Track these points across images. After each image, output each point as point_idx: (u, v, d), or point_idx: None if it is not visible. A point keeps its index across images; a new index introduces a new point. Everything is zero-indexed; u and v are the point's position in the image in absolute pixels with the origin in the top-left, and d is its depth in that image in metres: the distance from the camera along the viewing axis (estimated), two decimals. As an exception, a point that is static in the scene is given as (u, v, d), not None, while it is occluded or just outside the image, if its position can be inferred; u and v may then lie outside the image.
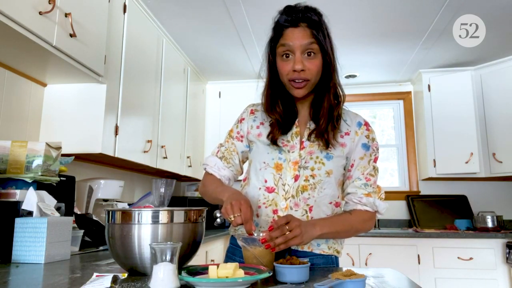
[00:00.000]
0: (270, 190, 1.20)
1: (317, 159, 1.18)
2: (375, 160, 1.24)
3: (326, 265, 1.20)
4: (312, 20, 1.12)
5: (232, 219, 1.00)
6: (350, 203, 1.22)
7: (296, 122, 1.23)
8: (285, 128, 1.21)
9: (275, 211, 1.18)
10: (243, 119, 1.32)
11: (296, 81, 1.14)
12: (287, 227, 0.99)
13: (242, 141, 1.30)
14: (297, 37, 1.11)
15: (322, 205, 1.19)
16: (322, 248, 1.20)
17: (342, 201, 1.25)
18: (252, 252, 0.99)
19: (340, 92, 1.21)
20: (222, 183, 1.27)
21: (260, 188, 1.21)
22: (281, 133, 1.20)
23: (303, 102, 1.24)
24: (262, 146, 1.23)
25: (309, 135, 1.20)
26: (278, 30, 1.16)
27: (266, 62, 1.22)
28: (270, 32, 1.20)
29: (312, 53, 1.12)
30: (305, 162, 1.18)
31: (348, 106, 1.30)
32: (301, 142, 1.21)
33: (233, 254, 1.28)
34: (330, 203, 1.20)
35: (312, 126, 1.21)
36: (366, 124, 1.26)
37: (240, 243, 1.02)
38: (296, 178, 1.18)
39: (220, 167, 1.28)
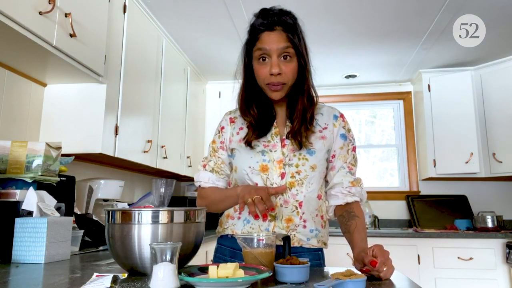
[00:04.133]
0: None
1: (300, 155, 1.21)
2: (354, 150, 1.29)
3: (313, 262, 1.20)
4: (287, 24, 1.14)
5: (250, 201, 1.02)
6: (339, 195, 1.24)
7: (275, 123, 1.25)
8: (262, 130, 1.23)
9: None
10: (223, 127, 1.33)
11: (273, 84, 1.15)
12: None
13: (225, 150, 1.31)
14: (273, 41, 1.13)
15: (311, 200, 1.22)
16: (311, 242, 1.22)
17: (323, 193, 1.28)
18: (251, 252, 1.00)
19: (314, 94, 1.24)
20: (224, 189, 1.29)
21: None
22: (257, 135, 1.22)
23: (280, 104, 1.26)
24: (244, 151, 1.24)
25: (288, 133, 1.22)
26: (254, 33, 1.17)
27: (242, 65, 1.25)
28: (246, 35, 1.21)
29: (288, 57, 1.14)
30: (289, 160, 1.21)
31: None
32: (282, 140, 1.23)
33: (223, 254, 1.28)
34: (317, 197, 1.24)
35: (290, 125, 1.24)
36: (342, 116, 1.31)
37: (240, 243, 1.03)
38: (282, 176, 1.20)
39: (214, 180, 1.29)
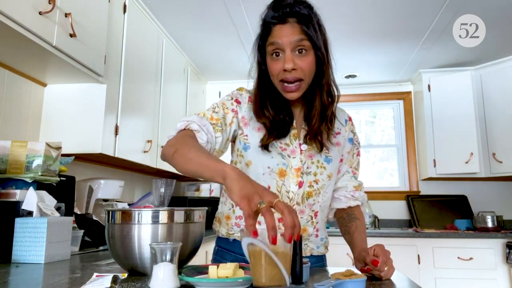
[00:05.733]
0: None
1: (318, 163, 1.14)
2: (358, 154, 1.27)
3: (316, 263, 1.20)
4: (301, 15, 1.03)
5: (265, 205, 0.72)
6: (342, 199, 1.22)
7: (293, 123, 1.15)
8: (281, 131, 1.10)
9: (280, 220, 0.97)
10: (240, 102, 1.15)
11: (288, 83, 1.04)
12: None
13: (236, 119, 1.14)
14: (286, 34, 1.02)
15: (324, 209, 1.19)
16: (320, 250, 1.20)
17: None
18: (262, 250, 0.73)
19: (335, 90, 1.13)
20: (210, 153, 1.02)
21: None
22: (275, 136, 1.10)
23: (296, 104, 1.16)
24: (264, 149, 1.10)
25: (305, 137, 1.13)
26: (266, 27, 1.06)
27: (255, 62, 1.13)
28: (258, 29, 1.10)
29: (303, 50, 1.03)
30: (307, 168, 1.12)
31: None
32: (299, 145, 1.13)
33: (222, 258, 1.19)
34: (329, 205, 1.22)
35: (307, 127, 1.14)
36: (350, 119, 1.29)
37: (250, 240, 0.74)
38: (300, 184, 1.11)
39: (208, 130, 1.04)
